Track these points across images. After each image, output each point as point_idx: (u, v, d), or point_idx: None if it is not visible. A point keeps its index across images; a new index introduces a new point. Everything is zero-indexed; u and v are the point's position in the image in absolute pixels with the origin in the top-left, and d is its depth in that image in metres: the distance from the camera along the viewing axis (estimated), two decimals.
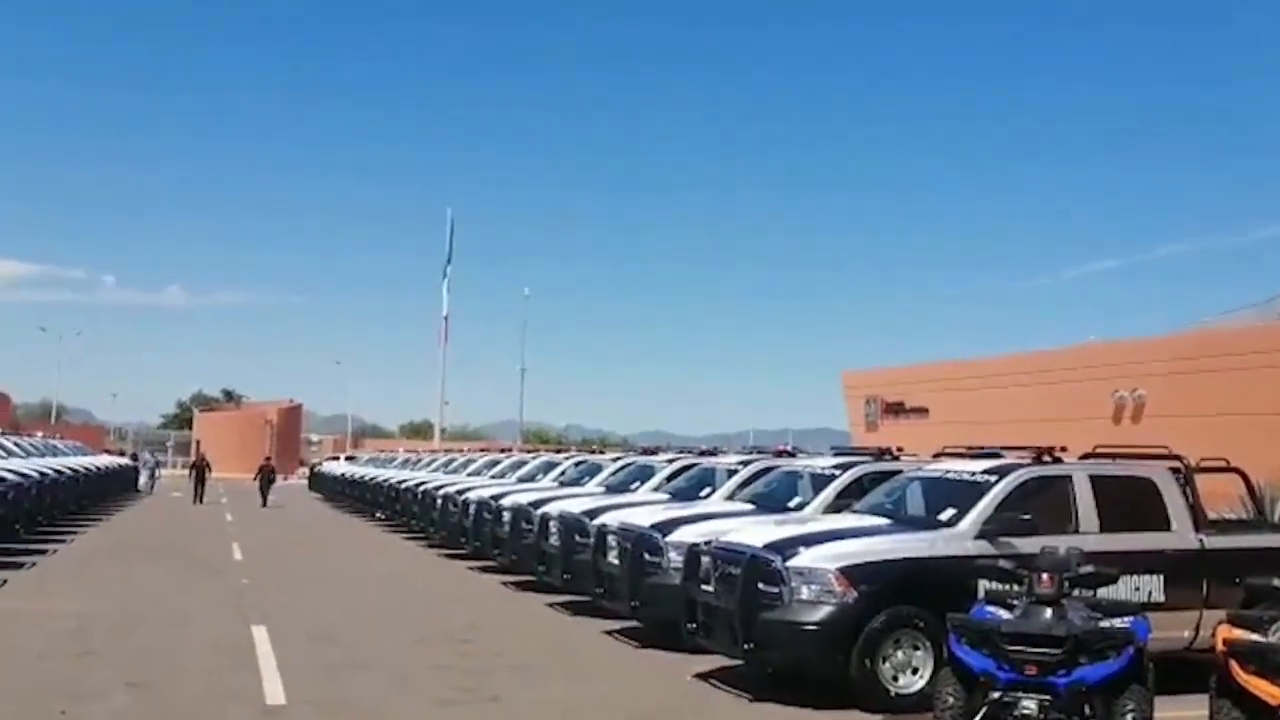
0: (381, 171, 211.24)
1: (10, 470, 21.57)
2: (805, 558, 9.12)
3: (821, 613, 8.91)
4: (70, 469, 29.30)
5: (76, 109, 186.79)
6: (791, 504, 12.63)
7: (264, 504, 37.65)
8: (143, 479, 46.86)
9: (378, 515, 32.56)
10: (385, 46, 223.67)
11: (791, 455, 16.01)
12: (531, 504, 17.06)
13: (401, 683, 9.68)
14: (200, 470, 40.69)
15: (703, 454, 18.36)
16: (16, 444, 30.20)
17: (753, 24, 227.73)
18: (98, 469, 35.84)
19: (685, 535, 11.40)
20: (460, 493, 22.08)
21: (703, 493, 14.92)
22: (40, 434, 41.46)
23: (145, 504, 38.68)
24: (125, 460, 49.56)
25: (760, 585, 9.22)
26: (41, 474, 24.24)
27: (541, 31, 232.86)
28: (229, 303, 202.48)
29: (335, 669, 10.19)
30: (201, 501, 38.07)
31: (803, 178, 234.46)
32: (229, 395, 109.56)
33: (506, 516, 17.92)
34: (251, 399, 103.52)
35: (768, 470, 14.53)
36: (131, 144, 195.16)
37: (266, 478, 39.28)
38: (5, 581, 15.56)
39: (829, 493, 12.34)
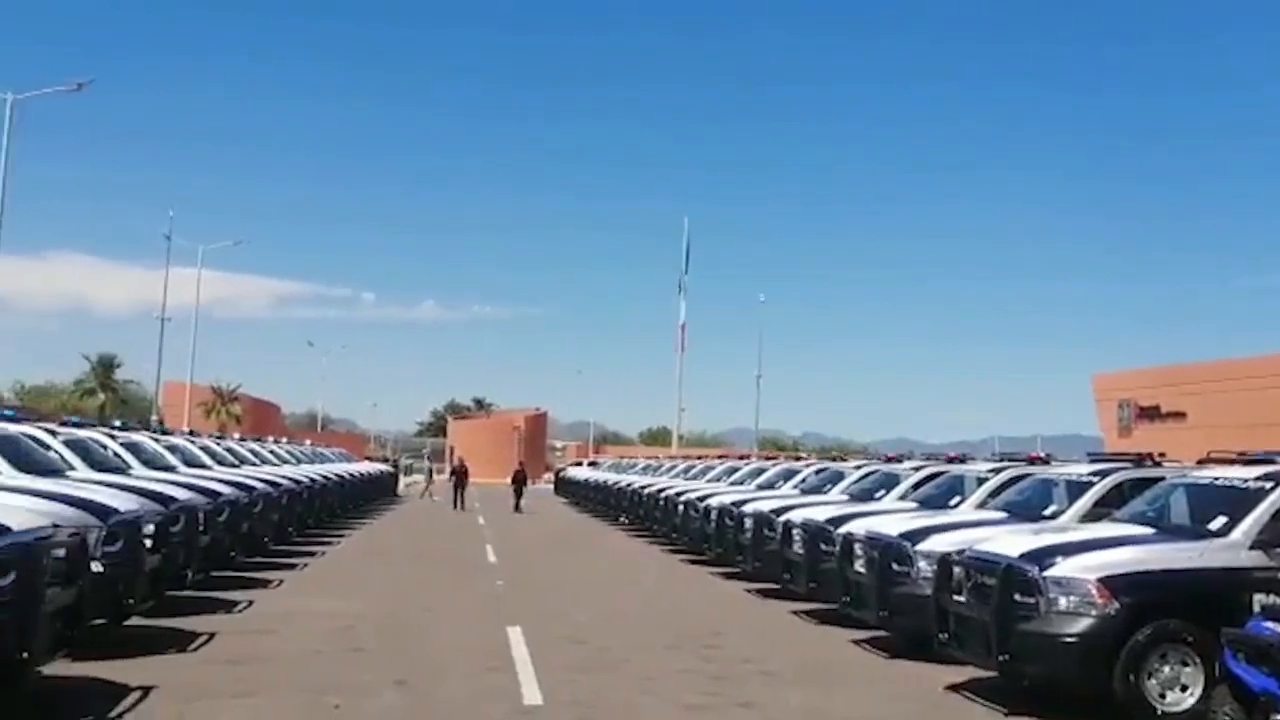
0: (621, 183, 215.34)
1: (282, 476, 23.12)
2: (1063, 567, 8.79)
3: (1081, 625, 8.56)
4: (336, 475, 31.13)
5: (337, 132, 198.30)
6: (1046, 512, 12.16)
7: (517, 509, 38.79)
8: (415, 481, 48.99)
9: (621, 520, 33.24)
10: (618, 60, 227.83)
11: (1045, 462, 15.40)
12: (774, 511, 17.06)
13: (651, 686, 9.84)
14: (459, 476, 41.58)
15: (950, 461, 17.91)
16: (288, 451, 32.35)
17: (995, 30, 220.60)
18: (361, 475, 37.98)
19: (935, 544, 11.16)
20: (702, 499, 22.28)
21: (951, 501, 14.55)
22: (308, 442, 44.21)
23: (403, 509, 40.58)
24: (386, 467, 52.23)
25: (1016, 596, 8.93)
26: (311, 480, 25.86)
27: (775, 41, 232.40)
28: (479, 316, 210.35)
29: (587, 670, 10.45)
30: (462, 508, 39.02)
31: (1050, 179, 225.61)
32: (480, 404, 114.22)
33: (749, 523, 17.98)
34: (500, 407, 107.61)
35: (1020, 478, 14.02)
36: (387, 165, 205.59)
37: (520, 482, 40.36)
38: (281, 582, 16.62)
39: (1086, 500, 11.84)
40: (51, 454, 13.54)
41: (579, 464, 63.84)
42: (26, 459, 12.36)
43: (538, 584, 18.07)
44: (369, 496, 38.64)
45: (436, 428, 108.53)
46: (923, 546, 11.46)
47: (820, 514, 15.18)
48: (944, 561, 10.20)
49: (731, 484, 25.23)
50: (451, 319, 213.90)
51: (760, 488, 22.76)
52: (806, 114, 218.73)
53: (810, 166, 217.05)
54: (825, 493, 19.08)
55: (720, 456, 36.47)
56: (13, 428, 13.59)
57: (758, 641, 12.63)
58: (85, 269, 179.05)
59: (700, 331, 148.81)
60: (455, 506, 39.22)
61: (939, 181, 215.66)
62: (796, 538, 15.40)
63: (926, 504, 14.85)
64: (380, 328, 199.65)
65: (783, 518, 16.32)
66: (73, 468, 13.49)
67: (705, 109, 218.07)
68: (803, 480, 21.73)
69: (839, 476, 20.08)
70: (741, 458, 33.35)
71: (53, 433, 14.74)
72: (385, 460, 62.16)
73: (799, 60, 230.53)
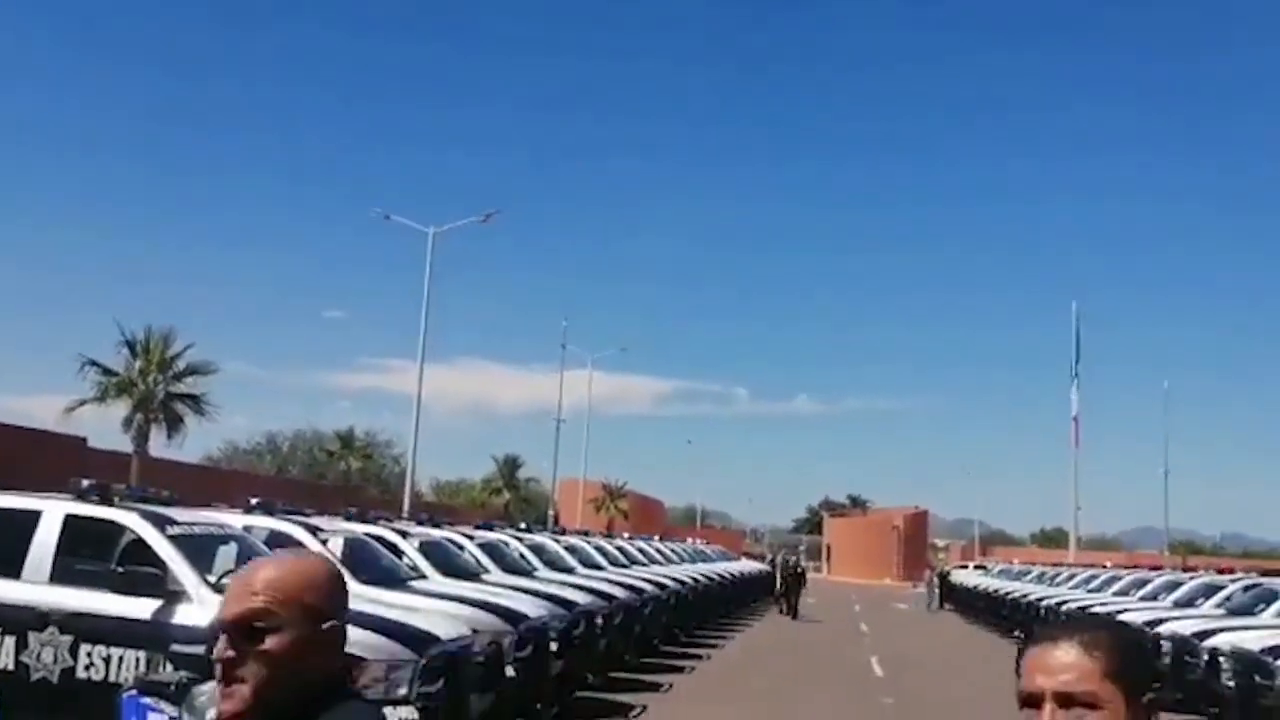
0: (999, 269, 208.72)
1: (669, 577, 23.61)
2: None
3: None
4: (718, 575, 31.42)
5: (705, 232, 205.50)
6: None
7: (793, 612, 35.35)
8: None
9: (1016, 634, 31.40)
10: (1013, 133, 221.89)
11: None
12: (1195, 635, 15.55)
13: None
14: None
15: None
16: (672, 550, 33.11)
17: None
18: (741, 575, 38.17)
19: None
20: (1110, 616, 20.71)
21: None
22: (690, 539, 45.17)
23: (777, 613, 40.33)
24: (764, 566, 52.33)
25: None
26: (695, 580, 26.24)
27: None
28: (854, 410, 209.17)
29: None
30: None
31: None
32: (855, 501, 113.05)
33: (1166, 647, 16.47)
34: (876, 504, 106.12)
35: None
36: (754, 263, 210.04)
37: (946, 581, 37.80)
38: (671, 686, 16.77)
39: None
40: (467, 557, 14.47)
41: (963, 566, 61.32)
42: (448, 563, 13.26)
43: (928, 704, 17.29)
44: (749, 596, 38.72)
45: (812, 524, 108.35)
46: None
47: (1254, 641, 13.69)
48: None
49: (1143, 599, 23.31)
50: (825, 413, 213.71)
51: (1177, 605, 20.87)
52: (1199, 188, 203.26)
53: (1210, 243, 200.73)
54: (1257, 614, 17.20)
55: (1130, 566, 33.82)
56: (436, 533, 14.72)
57: None
58: (487, 373, 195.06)
59: (1097, 423, 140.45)
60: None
61: None
62: (1225, 667, 13.93)
63: None
64: (754, 422, 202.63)
65: (1207, 643, 14.84)
66: (487, 570, 14.36)
67: (1091, 188, 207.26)
68: (1227, 598, 19.71)
69: (1272, 595, 18.04)
70: (1154, 568, 30.73)
71: (468, 536, 15.82)
72: (763, 558, 62.37)
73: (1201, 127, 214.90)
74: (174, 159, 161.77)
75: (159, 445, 34.19)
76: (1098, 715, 1.86)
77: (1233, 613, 18.06)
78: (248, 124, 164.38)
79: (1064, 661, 1.90)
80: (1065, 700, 1.88)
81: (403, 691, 7.75)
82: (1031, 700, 1.93)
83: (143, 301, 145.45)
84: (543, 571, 16.68)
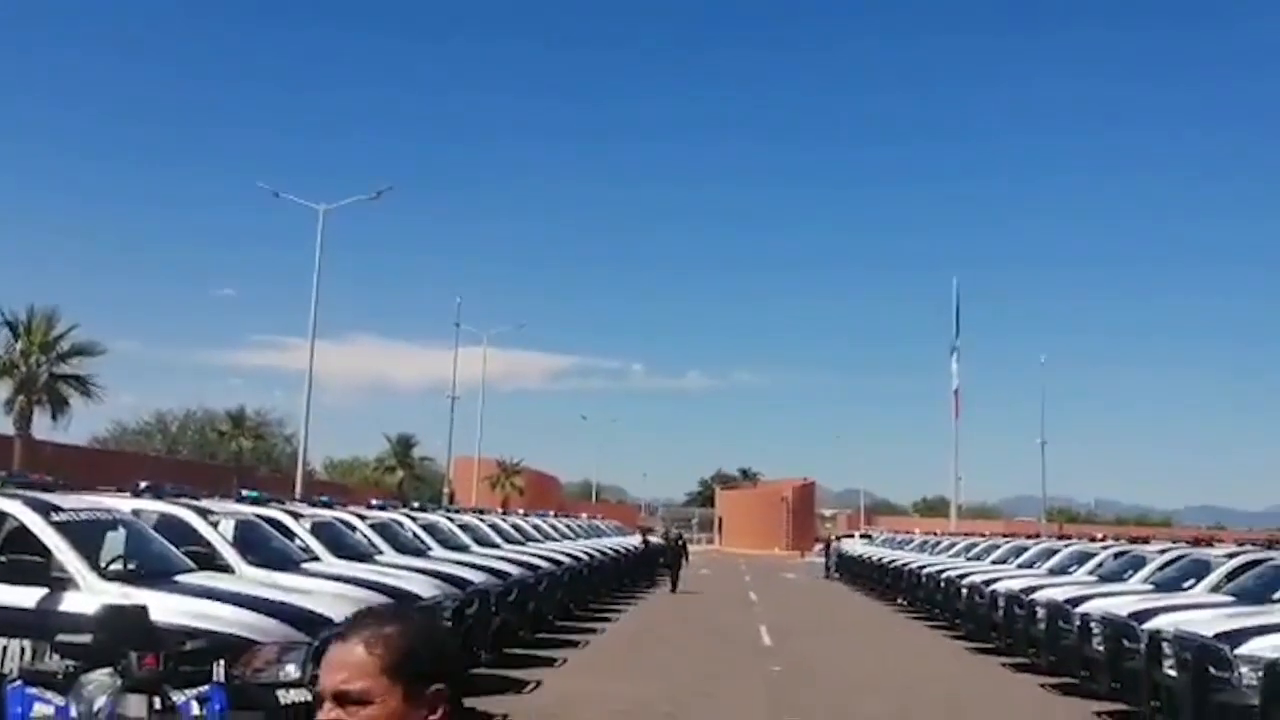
0: (882, 244, 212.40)
1: (564, 553, 23.75)
2: None
3: None
4: (613, 550, 31.66)
5: (603, 211, 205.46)
6: None
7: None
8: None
9: (899, 601, 32.20)
10: (892, 122, 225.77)
11: None
12: (1069, 601, 16.17)
13: None
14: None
15: (1273, 545, 16.50)
16: (568, 526, 33.24)
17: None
18: (635, 549, 38.49)
19: (1260, 647, 10.25)
20: (987, 583, 21.40)
21: (1276, 595, 13.35)
22: (585, 515, 45.33)
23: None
24: (657, 539, 52.71)
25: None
26: (589, 555, 26.44)
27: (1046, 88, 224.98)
28: (744, 384, 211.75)
29: None
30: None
31: None
32: (745, 474, 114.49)
33: (1041, 613, 17.11)
34: (767, 476, 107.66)
35: None
36: (650, 241, 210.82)
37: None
38: (565, 660, 16.94)
39: None
40: (360, 538, 14.41)
41: (850, 535, 62.58)
42: (342, 545, 13.21)
43: (814, 671, 17.70)
44: (643, 572, 39.02)
45: (704, 497, 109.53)
46: (1244, 650, 10.52)
47: (1121, 606, 14.29)
48: (1274, 671, 9.37)
49: (1020, 566, 24.07)
50: (716, 388, 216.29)
51: (1052, 572, 21.62)
52: (1084, 168, 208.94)
53: (1092, 225, 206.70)
54: (1125, 579, 17.93)
55: (1007, 535, 34.89)
56: (328, 514, 14.62)
57: None
58: (381, 350, 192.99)
59: (977, 395, 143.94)
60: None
61: (1228, 236, 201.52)
62: (1095, 632, 14.53)
63: (1245, 597, 13.68)
64: (648, 397, 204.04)
65: (1079, 609, 15.44)
66: (380, 551, 14.32)
67: (975, 167, 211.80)
68: (1099, 565, 20.49)
69: (1140, 562, 18.82)
70: (1031, 536, 31.74)
71: (361, 517, 15.75)
72: (651, 531, 62.76)
73: (1077, 105, 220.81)
74: (56, 135, 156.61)
75: (43, 428, 33.82)
76: (369, 710, 1.86)
77: (1104, 579, 18.79)
78: (136, 103, 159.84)
79: (344, 660, 1.89)
80: (342, 698, 1.88)
81: (295, 674, 7.77)
82: (320, 702, 1.92)
83: (26, 280, 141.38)
84: (437, 551, 16.68)
